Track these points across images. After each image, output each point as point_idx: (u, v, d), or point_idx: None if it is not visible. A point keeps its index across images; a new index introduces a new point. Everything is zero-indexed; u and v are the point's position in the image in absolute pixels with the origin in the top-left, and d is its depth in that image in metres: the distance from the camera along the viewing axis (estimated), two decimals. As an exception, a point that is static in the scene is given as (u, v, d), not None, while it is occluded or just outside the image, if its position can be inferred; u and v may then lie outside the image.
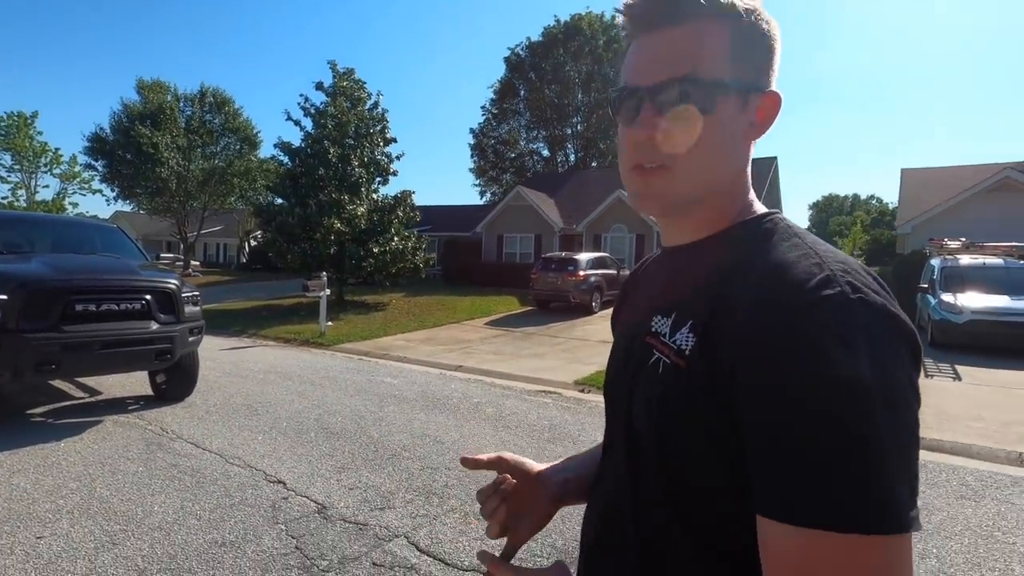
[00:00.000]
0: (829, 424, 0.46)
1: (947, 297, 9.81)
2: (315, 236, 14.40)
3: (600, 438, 0.78)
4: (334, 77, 16.10)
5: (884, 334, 0.49)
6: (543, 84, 37.32)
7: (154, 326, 5.03)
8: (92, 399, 5.84)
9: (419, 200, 17.00)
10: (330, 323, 11.33)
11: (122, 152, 29.48)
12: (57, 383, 6.21)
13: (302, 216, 14.52)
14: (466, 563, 2.83)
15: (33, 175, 29.92)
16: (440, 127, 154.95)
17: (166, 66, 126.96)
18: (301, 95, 16.12)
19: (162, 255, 7.25)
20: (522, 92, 38.89)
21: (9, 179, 29.29)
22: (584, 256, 14.86)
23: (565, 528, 3.06)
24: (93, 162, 30.93)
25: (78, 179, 31.01)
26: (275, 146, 15.99)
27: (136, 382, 6.26)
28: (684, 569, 0.59)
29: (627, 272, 15.55)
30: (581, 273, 14.05)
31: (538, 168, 38.86)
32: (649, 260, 0.82)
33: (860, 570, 0.45)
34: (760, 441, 0.49)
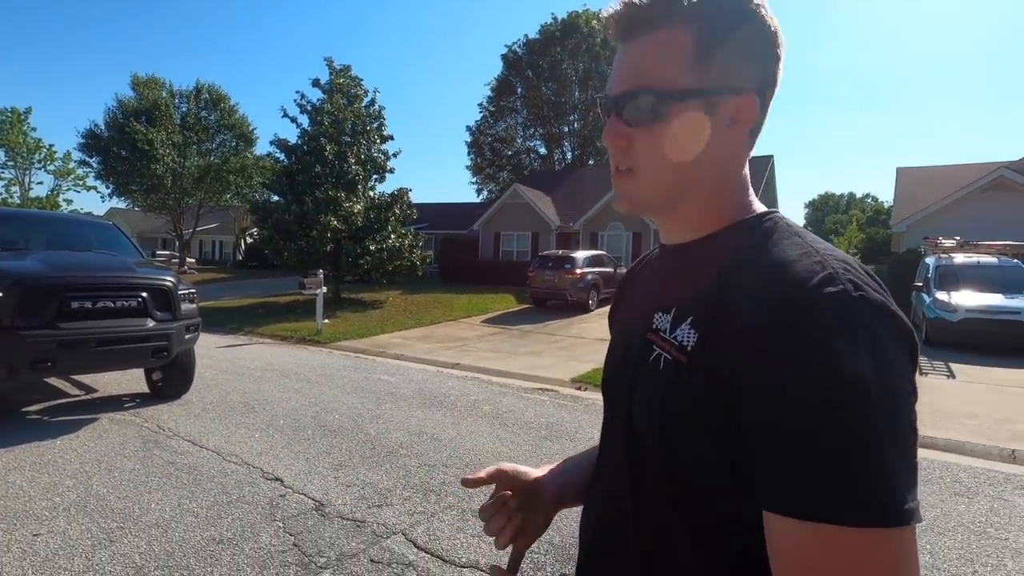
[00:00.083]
0: (832, 420, 0.46)
1: (942, 295, 9.87)
2: (311, 233, 14.37)
3: (597, 436, 0.78)
4: (331, 74, 16.05)
5: (885, 331, 0.50)
6: (540, 82, 37.28)
7: (150, 323, 5.01)
8: (88, 397, 5.82)
9: (416, 198, 17.00)
10: (327, 321, 11.31)
11: (117, 149, 29.29)
12: (53, 380, 6.18)
13: (298, 213, 14.49)
14: (463, 559, 2.84)
15: (27, 172, 29.71)
16: (437, 124, 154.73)
17: (163, 63, 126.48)
18: (297, 92, 16.10)
19: (158, 252, 7.26)
20: (519, 90, 38.84)
21: (3, 176, 29.11)
22: (581, 254, 14.88)
23: (563, 526, 3.06)
24: (88, 159, 30.71)
25: (72, 176, 30.79)
26: (271, 143, 15.97)
27: (132, 380, 6.24)
28: (685, 570, 0.59)
29: (624, 270, 15.58)
30: (578, 271, 14.07)
31: (535, 166, 38.85)
32: (647, 258, 0.82)
33: (864, 562, 0.46)
34: (764, 436, 0.50)
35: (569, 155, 38.45)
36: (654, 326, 0.64)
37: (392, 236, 15.41)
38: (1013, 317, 9.15)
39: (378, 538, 3.04)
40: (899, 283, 12.05)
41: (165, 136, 29.18)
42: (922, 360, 8.30)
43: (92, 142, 30.24)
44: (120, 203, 35.68)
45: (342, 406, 5.72)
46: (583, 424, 5.32)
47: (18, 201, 28.95)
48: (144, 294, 5.03)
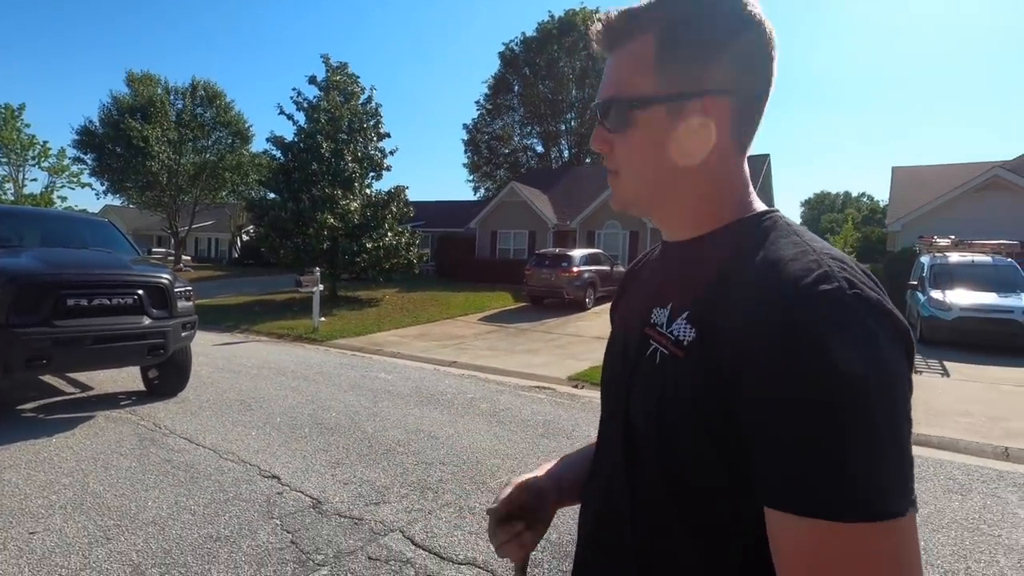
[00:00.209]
0: (829, 416, 0.47)
1: (936, 294, 9.93)
2: (308, 231, 14.33)
3: (594, 434, 0.78)
4: (327, 71, 15.99)
5: (880, 329, 0.50)
6: (537, 80, 37.27)
7: (146, 321, 5.00)
8: (84, 394, 5.80)
9: (413, 196, 16.96)
10: (323, 319, 11.30)
11: (112, 145, 29.16)
12: (48, 378, 6.16)
13: (295, 211, 14.45)
14: (461, 556, 2.85)
15: (21, 168, 29.46)
16: (434, 122, 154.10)
17: (159, 60, 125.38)
18: (294, 89, 16.02)
19: (154, 250, 7.21)
20: (516, 88, 38.82)
21: (-4, 172, 28.89)
22: (578, 252, 14.89)
23: (560, 523, 3.07)
24: (82, 155, 30.57)
25: (67, 172, 30.51)
26: (267, 140, 15.89)
27: (128, 377, 6.22)
28: (683, 568, 0.59)
29: (621, 268, 15.62)
30: (575, 269, 14.09)
31: (532, 164, 38.84)
32: (649, 255, 0.83)
33: (865, 555, 0.46)
34: (763, 433, 0.50)
35: (566, 153, 38.45)
36: (652, 321, 0.65)
37: (389, 234, 15.39)
38: (1007, 316, 9.21)
39: (376, 535, 3.04)
40: (894, 282, 12.11)
41: (160, 133, 29.05)
42: (916, 358, 8.33)
43: (87, 139, 30.10)
44: (115, 200, 35.56)
45: (339, 404, 5.72)
46: (580, 422, 5.34)
47: (12, 198, 28.73)
48: (140, 292, 5.01)
